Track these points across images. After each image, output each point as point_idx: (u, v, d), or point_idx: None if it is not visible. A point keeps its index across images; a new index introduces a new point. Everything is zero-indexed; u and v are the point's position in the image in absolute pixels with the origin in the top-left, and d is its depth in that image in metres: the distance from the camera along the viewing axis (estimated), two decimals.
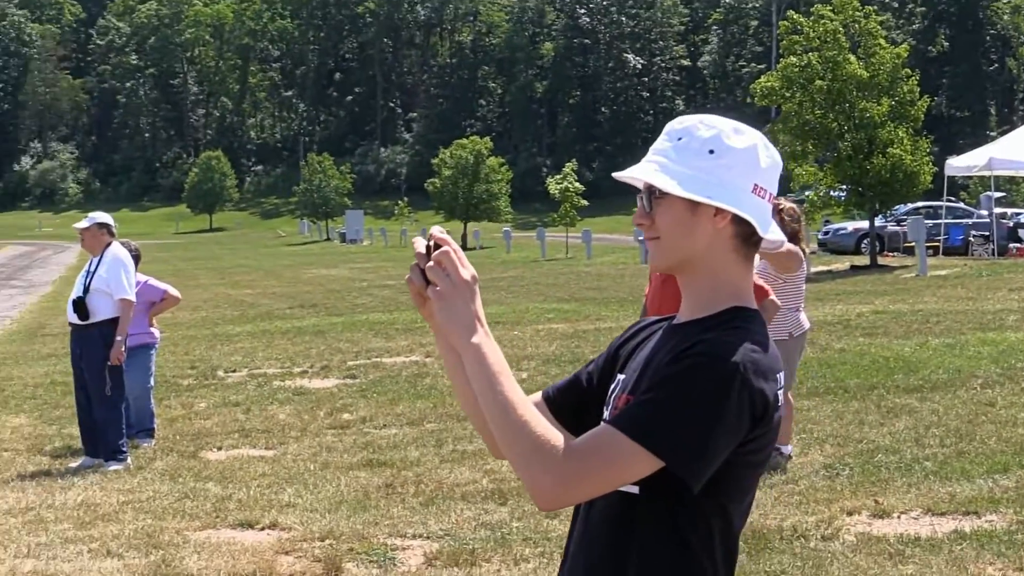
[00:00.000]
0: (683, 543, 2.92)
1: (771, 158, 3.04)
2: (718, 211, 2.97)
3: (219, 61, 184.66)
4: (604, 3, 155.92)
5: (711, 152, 2.97)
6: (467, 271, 2.87)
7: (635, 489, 2.90)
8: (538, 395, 3.25)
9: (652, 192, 3.01)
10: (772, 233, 3.05)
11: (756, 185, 3.00)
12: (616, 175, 3.14)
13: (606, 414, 3.09)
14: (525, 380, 17.48)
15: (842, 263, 42.32)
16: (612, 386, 3.14)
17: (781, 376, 2.97)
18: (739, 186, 2.98)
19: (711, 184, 2.96)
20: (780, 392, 2.95)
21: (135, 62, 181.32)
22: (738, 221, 2.98)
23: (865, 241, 45.05)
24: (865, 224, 44.93)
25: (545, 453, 2.77)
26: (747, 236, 3.01)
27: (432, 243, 2.89)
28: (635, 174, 3.02)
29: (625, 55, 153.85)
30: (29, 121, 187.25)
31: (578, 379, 3.27)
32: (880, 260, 40.92)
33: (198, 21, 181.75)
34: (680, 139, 3.02)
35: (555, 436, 2.79)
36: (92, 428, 13.14)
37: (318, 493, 11.24)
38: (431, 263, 2.87)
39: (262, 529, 10.16)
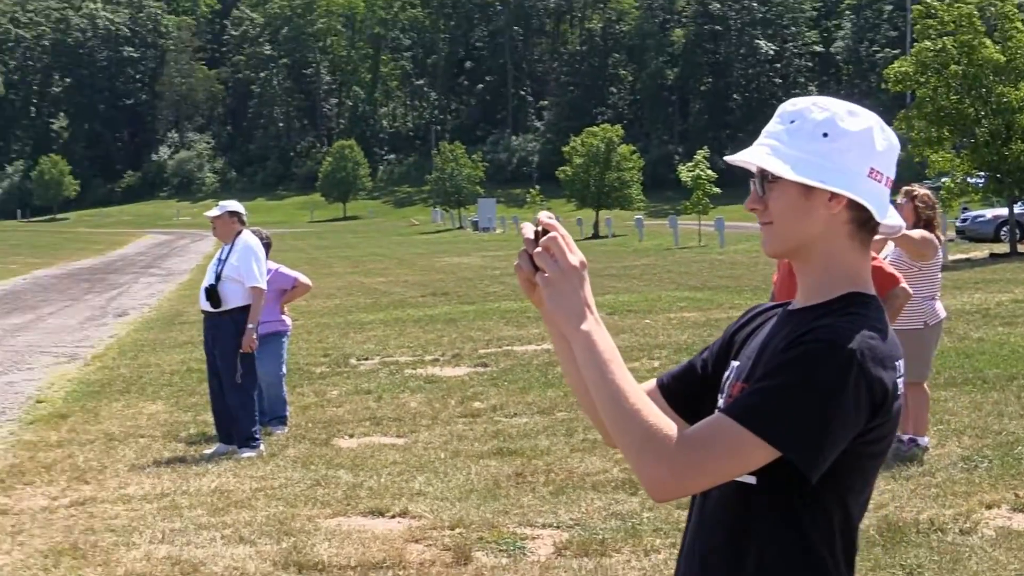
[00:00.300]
0: (802, 534, 2.86)
1: (887, 141, 2.96)
2: (833, 196, 2.89)
3: (351, 51, 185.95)
4: None
5: (825, 135, 2.90)
6: (575, 256, 2.82)
7: (752, 479, 2.85)
8: (652, 383, 3.20)
9: (765, 176, 2.95)
10: (890, 218, 2.97)
11: (872, 169, 2.92)
12: (728, 158, 3.08)
13: (720, 402, 3.03)
14: (656, 369, 17.38)
15: (981, 251, 41.73)
16: (726, 373, 3.09)
17: (901, 364, 2.89)
18: (854, 170, 2.90)
19: (825, 168, 2.89)
20: (900, 380, 2.88)
21: (269, 52, 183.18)
22: (854, 206, 2.91)
23: (1004, 228, 44.30)
24: (1004, 211, 44.18)
25: (657, 443, 2.71)
26: (863, 221, 2.93)
27: (540, 229, 2.84)
28: (747, 158, 2.96)
29: (757, 41, 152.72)
30: (166, 111, 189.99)
31: (692, 366, 3.21)
32: (1020, 248, 40.24)
33: (330, 11, 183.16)
34: (793, 122, 2.95)
35: (667, 425, 2.74)
36: (225, 415, 13.26)
37: (448, 481, 11.24)
38: (539, 249, 2.82)
39: (392, 517, 10.19)
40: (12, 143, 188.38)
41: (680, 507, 9.44)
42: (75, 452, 13.44)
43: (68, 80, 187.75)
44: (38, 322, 30.53)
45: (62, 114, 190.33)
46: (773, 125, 2.98)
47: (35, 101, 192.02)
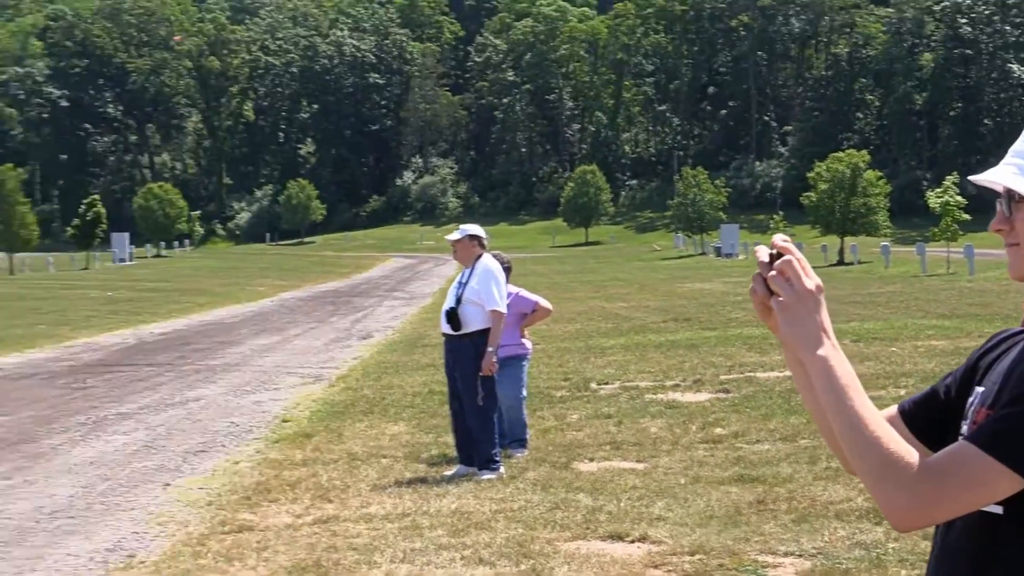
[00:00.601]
0: None
1: None
2: None
3: (593, 76, 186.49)
4: (987, 12, 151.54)
5: None
6: (811, 280, 2.71)
7: (998, 508, 2.71)
8: (893, 409, 3.08)
9: (1012, 196, 2.81)
10: None
11: None
12: (973, 178, 2.95)
13: (964, 428, 2.90)
14: (901, 397, 16.99)
15: None
16: (970, 399, 2.95)
17: None
18: None
19: None
20: None
21: (512, 78, 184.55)
22: None
23: None
24: None
25: (898, 471, 2.61)
26: None
27: (775, 252, 2.75)
28: (993, 177, 2.82)
29: (1009, 65, 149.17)
30: (411, 137, 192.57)
31: (935, 392, 3.08)
32: None
33: (573, 37, 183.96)
34: None
35: (909, 453, 2.63)
36: (466, 437, 13.31)
37: (688, 507, 11.13)
38: (773, 272, 2.74)
39: (632, 542, 10.11)
40: (261, 168, 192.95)
41: (926, 537, 9.19)
42: (319, 471, 13.65)
43: (315, 106, 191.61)
44: (284, 343, 31.19)
45: (309, 140, 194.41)
46: (1021, 144, 2.85)
47: (283, 127, 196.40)
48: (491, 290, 13.38)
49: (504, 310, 13.50)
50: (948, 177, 69.02)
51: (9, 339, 32.48)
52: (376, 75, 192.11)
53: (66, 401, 20.98)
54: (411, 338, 31.29)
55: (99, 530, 11.51)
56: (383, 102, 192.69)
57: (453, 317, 13.39)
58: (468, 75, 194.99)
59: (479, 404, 13.18)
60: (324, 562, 9.81)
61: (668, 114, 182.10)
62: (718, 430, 15.42)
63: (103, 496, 13.07)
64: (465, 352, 13.32)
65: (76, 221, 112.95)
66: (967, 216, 65.34)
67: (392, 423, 17.11)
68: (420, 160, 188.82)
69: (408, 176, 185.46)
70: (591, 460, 13.84)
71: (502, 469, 13.14)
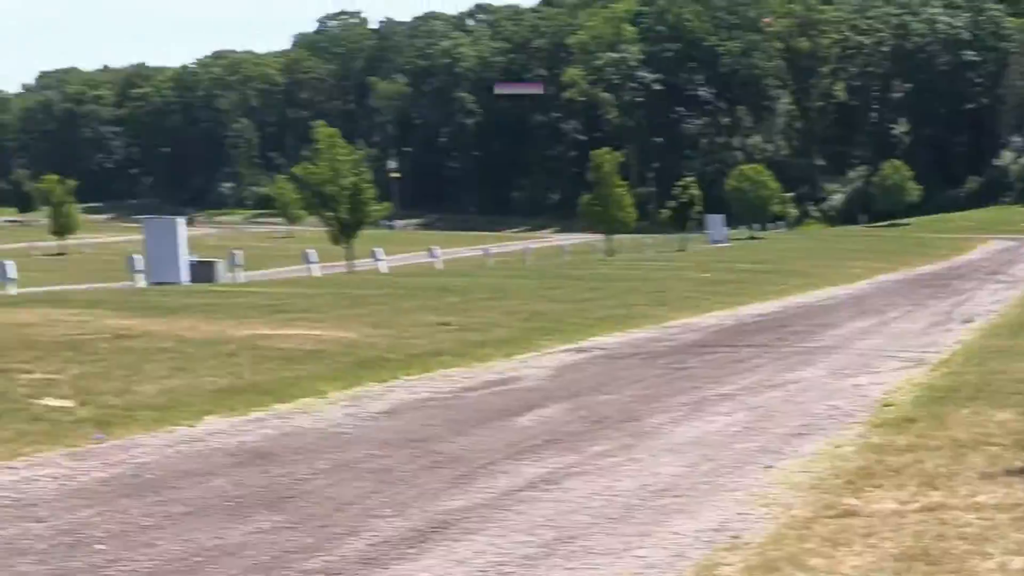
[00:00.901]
0: None
1: None
2: None
3: None
4: None
5: None
6: None
7: None
8: None
9: None
10: None
11: None
12: None
13: None
14: None
15: None
16: None
17: None
18: None
19: None
20: None
21: None
22: None
23: None
24: None
25: None
26: None
27: None
28: None
29: None
30: (1008, 115, 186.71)
31: None
32: None
33: None
34: None
35: None
36: None
37: None
38: None
39: None
40: (854, 149, 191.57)
41: None
42: (923, 457, 13.36)
43: (908, 85, 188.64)
44: (883, 326, 30.90)
45: (903, 120, 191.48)
46: None
47: (875, 107, 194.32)
48: None
49: None
50: None
51: (611, 319, 33.35)
52: (971, 52, 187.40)
53: (667, 381, 21.38)
54: (1016, 323, 30.40)
55: (704, 510, 11.63)
56: (978, 80, 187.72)
57: None
58: None
59: None
60: (932, 551, 9.58)
61: None
62: None
63: (707, 476, 13.22)
64: None
65: (671, 203, 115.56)
66: None
67: (999, 410, 16.54)
68: (1020, 139, 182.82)
69: (1007, 155, 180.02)
70: None
71: None
